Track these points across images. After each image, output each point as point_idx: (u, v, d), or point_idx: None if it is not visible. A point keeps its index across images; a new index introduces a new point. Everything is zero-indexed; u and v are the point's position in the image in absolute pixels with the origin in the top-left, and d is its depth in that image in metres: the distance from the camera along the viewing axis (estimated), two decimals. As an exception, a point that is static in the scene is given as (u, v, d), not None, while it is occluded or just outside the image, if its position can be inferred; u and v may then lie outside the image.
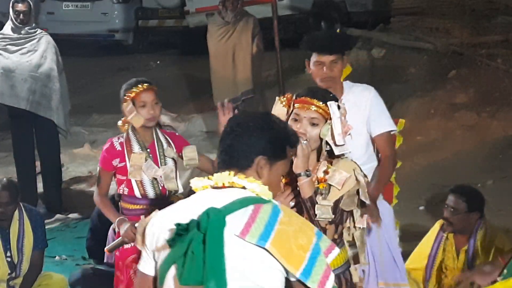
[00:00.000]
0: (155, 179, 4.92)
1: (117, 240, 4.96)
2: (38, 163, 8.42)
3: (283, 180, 3.69)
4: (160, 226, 2.78)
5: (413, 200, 7.95)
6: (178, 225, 2.64)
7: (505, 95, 10.14)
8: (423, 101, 10.34)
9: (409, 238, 6.02)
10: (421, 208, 7.96)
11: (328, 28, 13.46)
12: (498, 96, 10.18)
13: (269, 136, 2.87)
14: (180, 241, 2.63)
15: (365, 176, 3.80)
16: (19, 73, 8.10)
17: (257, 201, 2.74)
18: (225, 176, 2.80)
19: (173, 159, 4.97)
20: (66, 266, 6.95)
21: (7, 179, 6.16)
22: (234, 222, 2.66)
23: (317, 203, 3.65)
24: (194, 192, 2.70)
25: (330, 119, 3.74)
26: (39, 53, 8.13)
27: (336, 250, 2.76)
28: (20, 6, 7.99)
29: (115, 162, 4.91)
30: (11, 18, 8.06)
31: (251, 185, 2.78)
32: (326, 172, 3.72)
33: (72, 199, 8.69)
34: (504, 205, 7.56)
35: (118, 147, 4.93)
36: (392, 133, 4.81)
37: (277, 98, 3.93)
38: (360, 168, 3.80)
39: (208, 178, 2.83)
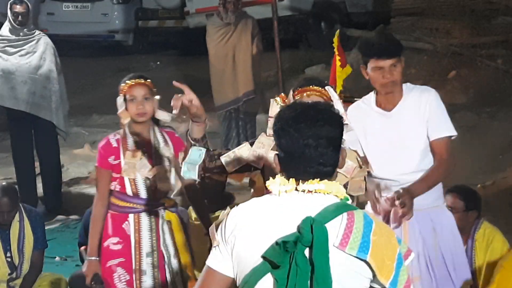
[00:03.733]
0: (148, 178, 4.83)
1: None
2: (37, 164, 8.42)
3: None
4: (244, 231, 2.70)
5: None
6: (284, 242, 2.58)
7: (505, 96, 10.15)
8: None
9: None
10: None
11: (328, 28, 13.47)
12: (498, 97, 10.18)
13: (340, 128, 2.79)
14: (275, 257, 2.59)
15: (363, 164, 3.82)
16: (19, 75, 8.10)
17: (348, 208, 2.69)
18: (311, 184, 2.70)
19: (168, 159, 4.88)
20: (66, 266, 6.95)
21: (7, 185, 6.16)
22: (331, 233, 2.62)
23: None
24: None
25: (331, 101, 3.72)
26: (38, 54, 8.13)
27: (412, 255, 2.77)
28: (19, 8, 7.98)
29: (111, 159, 4.82)
30: (9, 20, 8.05)
31: (333, 188, 2.73)
32: None
33: (72, 200, 8.69)
34: (504, 206, 7.56)
35: (114, 144, 4.84)
36: (452, 138, 4.54)
37: (272, 100, 3.92)
38: (359, 155, 3.83)
39: (283, 181, 2.72)
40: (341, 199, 2.74)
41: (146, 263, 4.85)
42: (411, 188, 4.20)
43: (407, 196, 4.07)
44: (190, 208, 6.09)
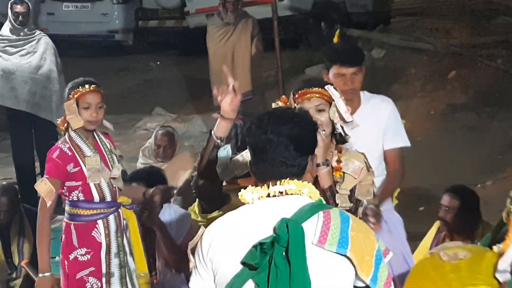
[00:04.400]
0: (110, 181, 4.82)
1: None
2: (37, 164, 8.42)
3: None
4: (222, 242, 2.69)
5: (413, 201, 7.95)
6: (261, 244, 2.58)
7: (505, 96, 10.15)
8: (423, 101, 10.34)
9: (409, 239, 6.01)
10: (421, 208, 7.96)
11: (328, 28, 13.47)
12: (498, 97, 10.18)
13: (310, 130, 2.81)
14: (254, 260, 2.59)
15: (370, 166, 3.84)
16: (19, 75, 8.10)
17: (323, 207, 2.70)
18: (282, 185, 2.71)
19: (118, 158, 4.91)
20: (66, 266, 6.94)
21: (7, 185, 6.17)
22: (309, 231, 2.62)
23: (337, 192, 3.68)
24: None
25: (333, 101, 3.76)
26: (38, 54, 8.14)
27: (391, 253, 2.80)
28: (19, 8, 7.98)
29: (69, 167, 4.75)
30: (10, 20, 8.06)
31: (306, 189, 2.73)
32: (339, 161, 3.76)
33: (72, 200, 8.68)
34: (503, 206, 7.54)
35: (68, 152, 4.77)
36: (404, 149, 4.74)
37: (273, 104, 3.94)
38: (366, 158, 3.84)
39: (255, 190, 2.73)
40: (315, 200, 2.73)
41: (115, 265, 4.86)
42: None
43: (378, 211, 4.14)
44: (190, 208, 6.10)
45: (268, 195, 2.72)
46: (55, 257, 7.15)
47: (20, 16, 8.00)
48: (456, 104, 10.13)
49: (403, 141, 4.73)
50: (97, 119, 4.78)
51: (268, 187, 2.72)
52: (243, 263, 2.62)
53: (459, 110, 9.98)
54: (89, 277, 4.81)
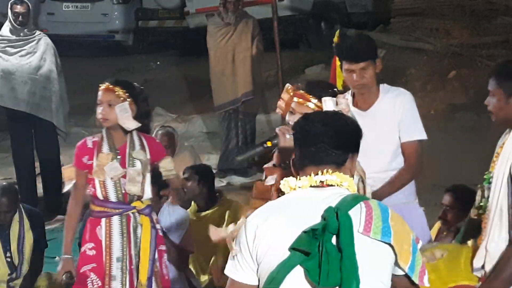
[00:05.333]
0: (119, 182, 4.80)
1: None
2: (37, 164, 8.42)
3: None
4: (267, 230, 2.74)
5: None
6: (313, 229, 2.64)
7: (505, 96, 10.13)
8: (423, 101, 10.34)
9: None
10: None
11: (328, 29, 13.46)
12: (498, 97, 10.17)
13: (354, 131, 2.91)
14: (305, 246, 2.65)
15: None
16: (19, 75, 8.09)
17: (363, 198, 2.79)
18: (323, 175, 2.80)
19: (141, 162, 4.82)
20: (66, 266, 6.93)
21: (7, 185, 6.17)
22: (354, 220, 2.70)
23: None
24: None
25: None
26: (38, 55, 8.13)
27: (420, 242, 2.85)
28: (19, 8, 7.98)
29: (85, 159, 4.83)
30: (10, 20, 8.05)
31: (346, 182, 2.82)
32: None
33: (72, 200, 8.67)
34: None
35: (90, 145, 4.85)
36: (422, 142, 4.71)
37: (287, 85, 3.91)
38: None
39: (298, 179, 2.82)
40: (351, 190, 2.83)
41: (116, 268, 4.83)
42: (377, 193, 4.34)
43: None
44: (189, 208, 6.12)
45: (310, 186, 2.80)
46: (55, 257, 7.17)
47: (20, 16, 7.99)
48: (456, 104, 10.13)
49: (419, 134, 4.67)
50: (106, 117, 4.77)
51: (310, 176, 2.80)
52: (292, 248, 2.66)
53: (459, 110, 9.98)
54: (91, 273, 4.83)
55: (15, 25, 8.04)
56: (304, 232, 2.66)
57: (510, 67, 3.93)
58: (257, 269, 2.76)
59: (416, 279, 2.77)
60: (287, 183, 2.82)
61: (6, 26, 8.14)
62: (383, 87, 4.68)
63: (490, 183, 3.89)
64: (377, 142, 4.44)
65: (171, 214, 5.57)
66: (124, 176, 4.80)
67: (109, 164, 4.78)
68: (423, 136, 4.68)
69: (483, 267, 3.79)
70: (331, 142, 2.81)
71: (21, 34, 8.10)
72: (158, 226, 4.94)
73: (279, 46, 9.43)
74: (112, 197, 4.82)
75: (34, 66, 8.11)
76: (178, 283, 5.53)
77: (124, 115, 4.78)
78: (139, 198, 4.84)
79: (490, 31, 11.53)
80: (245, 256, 2.77)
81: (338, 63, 6.86)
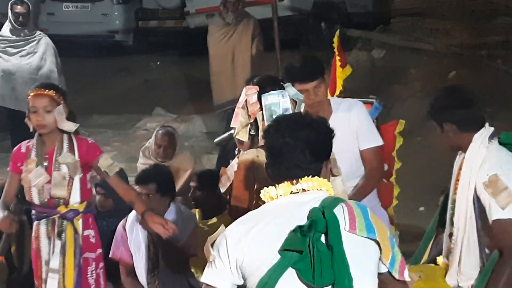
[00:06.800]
0: (42, 187, 4.76)
1: None
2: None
3: None
4: (253, 238, 2.75)
5: (413, 201, 7.95)
6: (300, 227, 2.68)
7: (506, 96, 10.15)
8: (423, 102, 10.32)
9: (409, 239, 6.02)
10: (421, 209, 7.96)
11: (328, 29, 13.47)
12: (498, 97, 10.18)
13: (326, 139, 2.92)
14: (296, 245, 2.67)
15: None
16: (20, 75, 8.10)
17: (341, 199, 2.83)
18: (305, 182, 2.83)
19: (67, 166, 4.73)
20: (66, 267, 6.94)
21: None
22: (339, 219, 2.74)
23: None
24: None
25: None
26: (38, 55, 8.14)
27: (397, 238, 2.90)
28: (19, 8, 7.99)
29: (19, 164, 4.82)
30: (10, 20, 8.06)
31: (324, 185, 2.86)
32: None
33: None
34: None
35: (23, 150, 4.83)
36: (379, 147, 4.87)
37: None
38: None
39: (278, 187, 2.84)
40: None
41: (45, 271, 4.81)
42: (351, 199, 4.39)
43: None
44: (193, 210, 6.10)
45: (291, 192, 2.83)
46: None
47: (20, 17, 8.00)
48: (456, 104, 10.10)
49: (376, 141, 4.86)
50: (44, 123, 4.71)
51: (291, 184, 2.83)
52: (284, 250, 2.68)
53: (459, 110, 9.95)
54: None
55: (15, 25, 8.05)
56: (292, 231, 2.69)
57: (446, 100, 4.02)
58: (238, 277, 2.77)
59: (396, 274, 2.80)
60: (267, 194, 2.84)
61: (6, 26, 8.15)
62: (334, 100, 4.91)
63: (453, 208, 3.97)
64: (340, 154, 4.51)
65: (179, 213, 5.56)
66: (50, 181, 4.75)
67: (34, 170, 4.74)
68: (379, 142, 4.88)
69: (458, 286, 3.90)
70: (305, 160, 2.83)
71: (22, 34, 8.11)
72: (90, 233, 4.87)
73: (279, 46, 9.42)
74: (36, 201, 4.81)
75: (35, 66, 8.12)
76: (178, 284, 5.52)
77: (63, 118, 4.73)
78: (66, 202, 4.79)
79: (490, 31, 11.52)
80: (223, 261, 2.78)
81: (338, 63, 6.87)
